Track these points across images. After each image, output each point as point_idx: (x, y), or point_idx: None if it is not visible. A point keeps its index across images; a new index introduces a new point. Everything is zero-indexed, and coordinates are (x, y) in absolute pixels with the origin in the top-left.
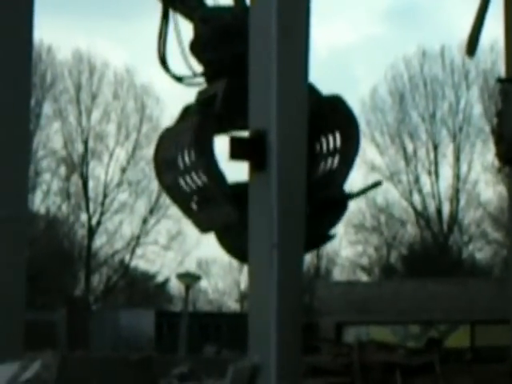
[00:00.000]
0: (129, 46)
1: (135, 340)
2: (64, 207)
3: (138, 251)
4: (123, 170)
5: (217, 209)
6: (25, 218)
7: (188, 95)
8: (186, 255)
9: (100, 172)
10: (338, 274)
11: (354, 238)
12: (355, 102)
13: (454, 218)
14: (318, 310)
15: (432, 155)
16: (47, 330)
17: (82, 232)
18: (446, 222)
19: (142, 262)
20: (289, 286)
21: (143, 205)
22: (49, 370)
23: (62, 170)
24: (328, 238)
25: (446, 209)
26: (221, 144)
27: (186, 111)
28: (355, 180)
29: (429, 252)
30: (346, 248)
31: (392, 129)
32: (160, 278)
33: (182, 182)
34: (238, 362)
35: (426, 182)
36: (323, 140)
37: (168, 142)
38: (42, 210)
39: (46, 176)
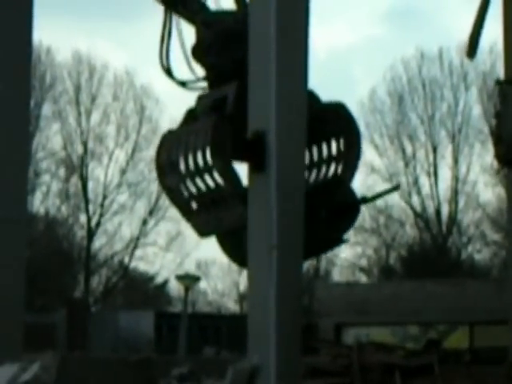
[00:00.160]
0: (128, 47)
1: (135, 341)
2: (63, 208)
3: (138, 252)
4: (123, 172)
5: (228, 210)
6: (24, 220)
7: (187, 97)
8: (186, 256)
9: (99, 173)
10: (337, 275)
11: (353, 240)
12: (354, 104)
13: (452, 219)
14: (318, 311)
15: (431, 157)
16: (46, 331)
17: (81, 233)
18: (444, 224)
19: (141, 263)
20: (288, 286)
21: (143, 206)
22: (48, 372)
23: (62, 171)
24: (342, 241)
25: (445, 210)
26: None
27: (190, 115)
28: (354, 182)
29: (428, 253)
30: (345, 249)
31: (391, 130)
32: (159, 280)
33: (188, 183)
34: (237, 362)
35: (424, 183)
36: (327, 145)
37: (172, 144)
38: (42, 211)
39: (46, 177)
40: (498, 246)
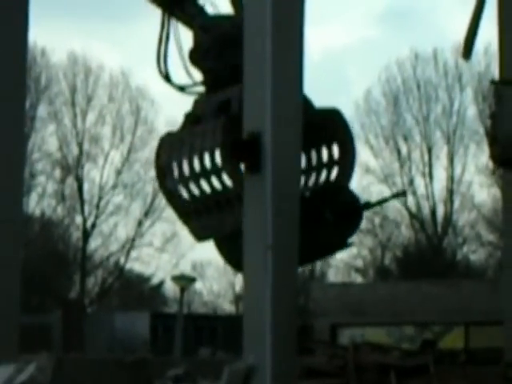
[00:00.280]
0: (124, 48)
1: (130, 342)
2: (59, 209)
3: (133, 253)
4: (118, 173)
5: (232, 212)
6: (20, 221)
7: (183, 99)
8: (181, 257)
9: (95, 174)
10: (332, 276)
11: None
12: (349, 105)
13: (448, 219)
14: (313, 312)
15: (426, 157)
16: (42, 332)
17: (76, 234)
18: (440, 224)
19: (137, 264)
20: (283, 287)
21: (138, 207)
22: (44, 373)
23: (57, 172)
24: (347, 245)
25: (440, 211)
26: None
27: (189, 118)
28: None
29: (423, 254)
30: None
31: (386, 131)
32: (155, 280)
33: (191, 185)
34: (233, 363)
35: (420, 184)
36: (323, 150)
37: (174, 146)
38: (37, 213)
39: (41, 178)
40: (494, 247)
